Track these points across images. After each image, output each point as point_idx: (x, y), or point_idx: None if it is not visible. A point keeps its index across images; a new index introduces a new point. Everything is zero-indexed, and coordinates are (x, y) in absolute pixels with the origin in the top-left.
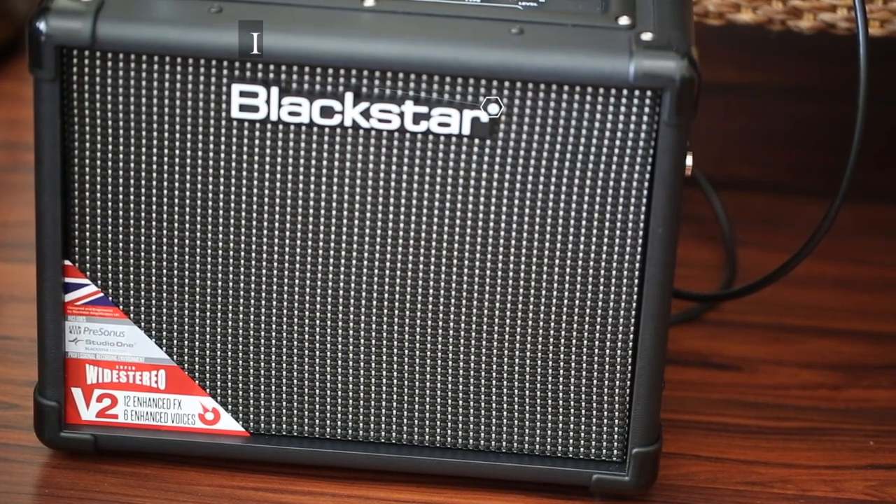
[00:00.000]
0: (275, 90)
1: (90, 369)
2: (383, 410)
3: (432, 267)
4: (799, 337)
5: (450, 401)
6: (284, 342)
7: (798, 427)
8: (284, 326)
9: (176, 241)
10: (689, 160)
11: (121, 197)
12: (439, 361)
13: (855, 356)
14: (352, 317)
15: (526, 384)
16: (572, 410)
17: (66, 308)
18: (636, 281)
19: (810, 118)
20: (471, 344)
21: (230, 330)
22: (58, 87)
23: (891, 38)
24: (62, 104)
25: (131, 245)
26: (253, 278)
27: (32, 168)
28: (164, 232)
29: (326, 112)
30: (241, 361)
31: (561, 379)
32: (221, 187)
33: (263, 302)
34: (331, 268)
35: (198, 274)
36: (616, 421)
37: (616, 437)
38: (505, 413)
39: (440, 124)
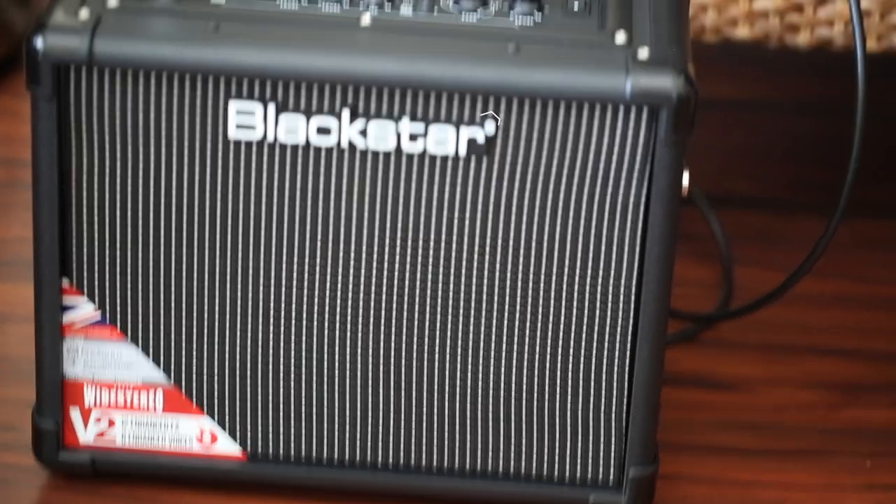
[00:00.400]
0: (272, 107)
1: (88, 390)
2: (380, 433)
3: (429, 288)
4: (796, 356)
5: (446, 423)
6: (282, 364)
7: (795, 447)
8: (282, 348)
9: (174, 261)
10: (685, 179)
11: (118, 215)
12: (436, 383)
13: (853, 375)
14: (349, 339)
15: (522, 405)
16: (569, 432)
17: (63, 329)
18: (633, 300)
19: (809, 134)
20: (467, 365)
21: (228, 351)
22: (55, 104)
23: (888, 53)
24: (59, 121)
25: (129, 264)
26: (250, 299)
27: (30, 185)
28: (163, 251)
29: (323, 131)
30: (238, 382)
31: (557, 400)
32: (219, 207)
33: (261, 323)
34: (328, 290)
35: (195, 294)
36: (613, 442)
37: (613, 458)
38: (501, 435)
39: (436, 143)
